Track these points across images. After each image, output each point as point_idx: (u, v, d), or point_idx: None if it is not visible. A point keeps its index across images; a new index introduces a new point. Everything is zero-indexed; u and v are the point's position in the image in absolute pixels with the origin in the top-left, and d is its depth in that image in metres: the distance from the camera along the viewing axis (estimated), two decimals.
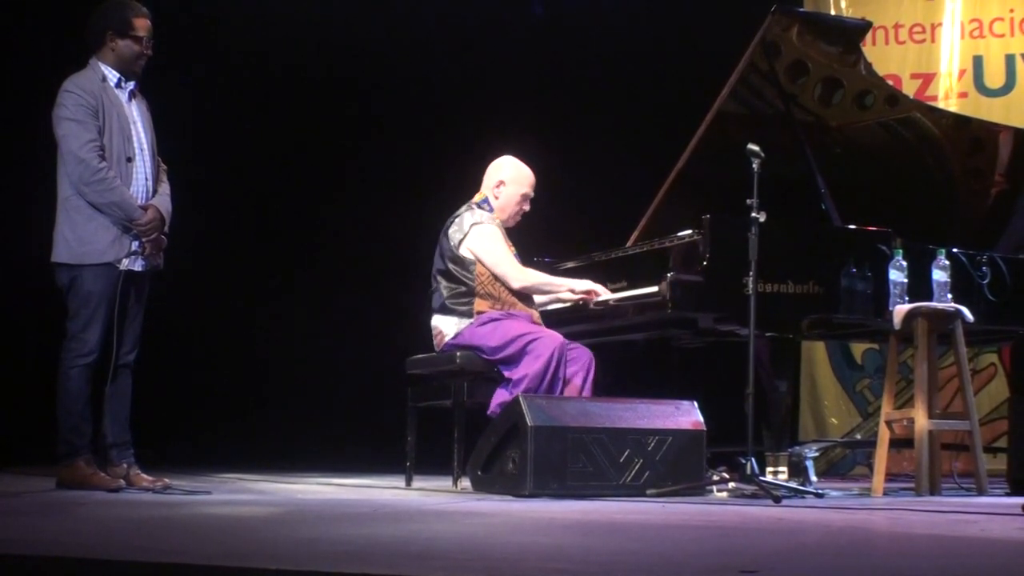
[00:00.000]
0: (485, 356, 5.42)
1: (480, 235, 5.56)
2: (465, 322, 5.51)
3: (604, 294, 5.62)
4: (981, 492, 5.48)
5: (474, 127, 7.99)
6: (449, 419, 5.45)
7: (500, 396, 5.33)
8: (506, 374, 5.36)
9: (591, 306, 5.63)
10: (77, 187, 5.12)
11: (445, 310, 5.56)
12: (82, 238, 5.12)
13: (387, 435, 6.75)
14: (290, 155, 8.89)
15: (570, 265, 6.05)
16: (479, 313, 5.50)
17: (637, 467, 4.98)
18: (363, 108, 8.90)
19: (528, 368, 5.29)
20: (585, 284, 5.64)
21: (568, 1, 8.73)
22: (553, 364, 5.29)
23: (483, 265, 5.54)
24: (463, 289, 5.54)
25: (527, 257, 5.79)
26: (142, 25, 5.26)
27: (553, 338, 5.35)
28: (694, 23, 8.10)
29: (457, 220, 5.61)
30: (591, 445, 4.92)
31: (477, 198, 5.72)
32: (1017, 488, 5.61)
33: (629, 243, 6.15)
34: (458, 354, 5.47)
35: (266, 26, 8.54)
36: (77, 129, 5.11)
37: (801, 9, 7.70)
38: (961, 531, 3.71)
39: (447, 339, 5.53)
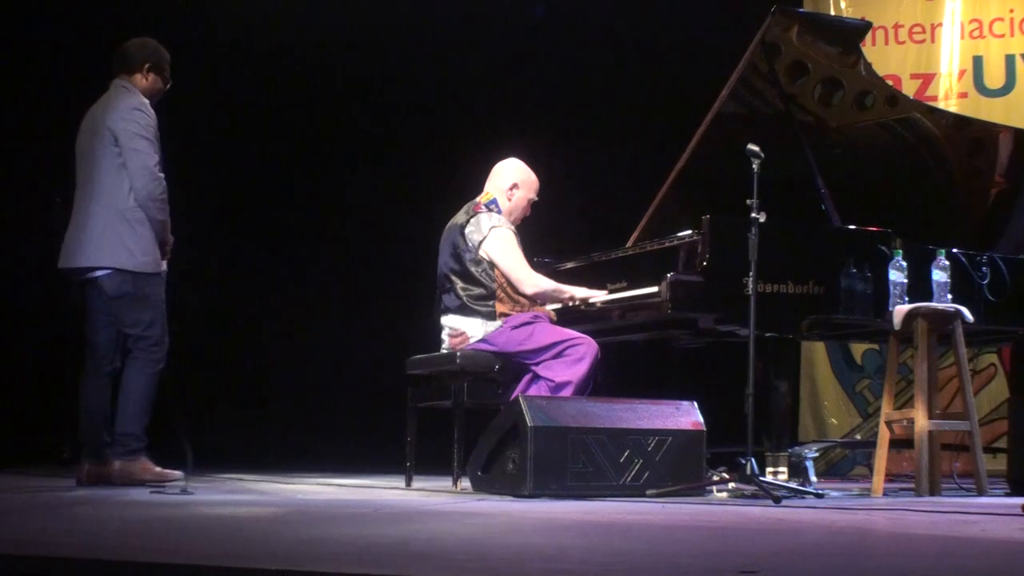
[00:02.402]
0: (522, 360, 5.43)
1: (498, 238, 5.55)
2: (492, 325, 5.49)
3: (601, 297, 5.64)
4: (981, 492, 5.48)
5: (475, 128, 8.00)
6: (449, 419, 5.45)
7: (537, 390, 5.34)
8: (544, 374, 5.38)
9: (583, 307, 5.65)
10: (143, 201, 5.43)
11: (466, 311, 5.52)
12: (146, 249, 5.49)
13: (387, 435, 6.75)
14: (292, 157, 8.89)
15: (570, 265, 6.05)
16: (502, 315, 5.50)
17: (637, 467, 4.98)
18: (366, 111, 8.90)
19: (573, 373, 5.33)
20: (585, 292, 5.66)
21: (568, 2, 8.73)
22: (594, 368, 5.36)
23: (497, 268, 5.54)
24: (481, 291, 5.52)
25: (527, 257, 5.77)
26: (168, 69, 5.70)
27: (590, 342, 5.39)
28: (694, 24, 8.10)
29: (473, 220, 5.58)
30: (591, 445, 4.91)
31: (484, 198, 5.69)
32: (1017, 488, 5.61)
33: (629, 243, 6.15)
34: (458, 354, 5.47)
35: (274, 27, 8.54)
36: (150, 148, 5.48)
37: (801, 9, 7.69)
38: (961, 531, 3.70)
39: (473, 340, 5.50)
